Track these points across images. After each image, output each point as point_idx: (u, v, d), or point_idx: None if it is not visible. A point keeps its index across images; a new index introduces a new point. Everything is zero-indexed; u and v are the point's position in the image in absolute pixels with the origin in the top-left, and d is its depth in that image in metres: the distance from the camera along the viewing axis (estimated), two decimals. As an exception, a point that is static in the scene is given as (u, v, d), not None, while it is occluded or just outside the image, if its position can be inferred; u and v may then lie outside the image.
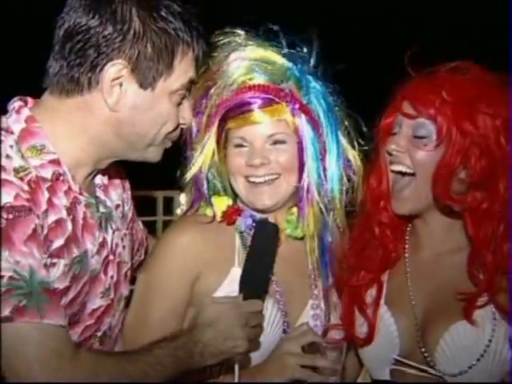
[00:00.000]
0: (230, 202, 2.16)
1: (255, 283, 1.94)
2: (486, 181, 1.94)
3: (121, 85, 1.70)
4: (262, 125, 2.06)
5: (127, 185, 2.08)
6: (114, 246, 1.90)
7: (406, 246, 2.16)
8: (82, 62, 1.69)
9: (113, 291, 1.87)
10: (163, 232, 2.40)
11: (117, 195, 1.98)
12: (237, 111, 2.06)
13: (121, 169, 2.04)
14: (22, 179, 1.62)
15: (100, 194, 1.91)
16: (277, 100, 2.06)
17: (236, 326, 1.82)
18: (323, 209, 2.12)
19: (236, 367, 1.89)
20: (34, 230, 1.59)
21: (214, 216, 2.13)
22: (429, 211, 2.06)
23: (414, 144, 2.00)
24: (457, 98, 1.95)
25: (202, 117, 2.14)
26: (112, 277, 1.87)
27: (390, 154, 2.05)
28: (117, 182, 2.00)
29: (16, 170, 1.63)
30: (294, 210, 2.16)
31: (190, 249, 2.06)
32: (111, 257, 1.87)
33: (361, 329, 2.10)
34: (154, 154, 1.85)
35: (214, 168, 2.16)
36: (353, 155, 2.16)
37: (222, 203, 2.15)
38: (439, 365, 1.98)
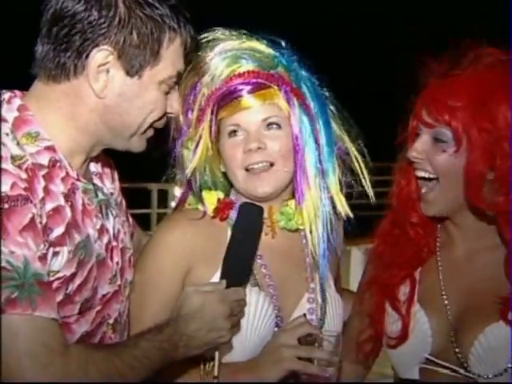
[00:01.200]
0: (221, 196, 2.13)
1: (239, 269, 1.91)
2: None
3: (107, 71, 1.69)
4: (254, 109, 2.03)
5: (116, 175, 2.06)
6: (116, 232, 1.88)
7: (438, 244, 2.13)
8: (68, 47, 1.67)
9: (119, 277, 1.86)
10: (157, 224, 2.39)
11: (109, 183, 1.98)
12: (227, 99, 2.04)
13: (110, 159, 2.02)
14: (19, 167, 1.60)
15: (97, 181, 1.90)
16: (268, 84, 2.04)
17: (221, 317, 1.81)
18: (320, 194, 2.09)
19: (216, 354, 1.87)
20: (32, 220, 1.56)
21: (205, 211, 2.11)
22: (460, 213, 2.03)
23: (434, 149, 1.98)
24: (470, 99, 1.92)
25: (191, 113, 2.11)
26: (117, 263, 1.86)
27: (412, 161, 2.04)
28: (107, 171, 1.99)
29: (13, 158, 1.60)
30: (291, 202, 2.13)
31: (180, 244, 2.04)
32: (114, 243, 1.86)
33: (393, 327, 2.07)
34: (137, 144, 1.82)
35: (207, 163, 2.13)
36: (346, 140, 2.15)
37: (212, 198, 2.12)
38: (473, 366, 1.93)
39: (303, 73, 2.12)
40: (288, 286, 2.10)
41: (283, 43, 2.13)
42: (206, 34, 2.10)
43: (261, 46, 2.10)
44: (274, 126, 2.05)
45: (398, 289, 2.09)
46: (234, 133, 2.06)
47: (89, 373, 1.58)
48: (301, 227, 2.12)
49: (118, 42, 1.67)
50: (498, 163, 1.90)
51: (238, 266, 1.90)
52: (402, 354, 2.05)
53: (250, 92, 2.03)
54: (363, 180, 2.15)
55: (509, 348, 1.89)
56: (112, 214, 1.89)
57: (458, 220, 2.05)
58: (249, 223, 1.93)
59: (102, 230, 1.80)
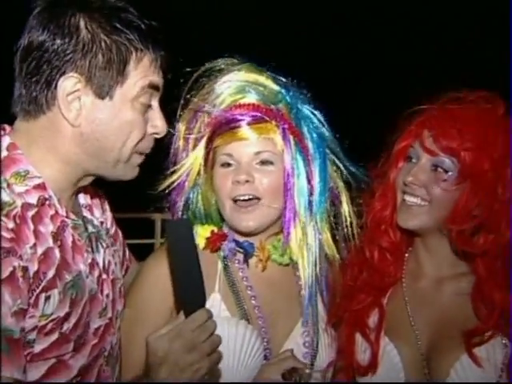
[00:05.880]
0: (215, 229, 2.13)
1: (191, 293, 1.76)
2: (496, 222, 1.92)
3: (79, 99, 1.68)
4: (249, 141, 2.04)
5: (106, 206, 2.04)
6: (106, 264, 1.87)
7: (404, 273, 2.12)
8: (38, 79, 1.67)
9: (110, 310, 1.84)
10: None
11: (99, 213, 1.97)
12: (225, 128, 2.05)
13: (99, 190, 2.01)
14: (7, 216, 1.57)
15: (86, 213, 1.89)
16: (266, 118, 2.05)
17: (184, 353, 1.70)
18: (308, 233, 2.09)
19: None
20: (12, 273, 1.52)
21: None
22: (433, 236, 2.03)
23: (433, 177, 1.97)
24: (479, 138, 1.93)
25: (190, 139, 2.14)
26: (108, 295, 1.84)
27: (406, 185, 2.02)
28: (96, 202, 1.98)
29: (1, 207, 1.58)
30: (281, 236, 2.12)
31: (168, 278, 2.00)
32: (104, 276, 1.84)
33: (362, 356, 2.05)
34: (125, 172, 1.80)
35: (197, 189, 2.15)
36: (340, 186, 2.15)
37: (205, 232, 2.11)
38: None
39: (305, 111, 2.12)
40: (278, 317, 2.09)
41: (289, 79, 2.14)
42: (214, 63, 2.12)
43: (266, 81, 2.12)
44: (267, 162, 2.05)
45: (368, 317, 2.08)
46: (226, 162, 2.06)
47: None
48: (294, 260, 2.12)
49: (84, 67, 1.66)
50: (486, 203, 1.91)
51: (189, 290, 1.76)
52: None
53: (247, 124, 2.04)
54: (349, 225, 2.14)
55: (486, 374, 1.88)
56: (102, 246, 1.87)
57: (430, 246, 2.04)
58: (180, 240, 1.77)
59: (92, 265, 1.79)
